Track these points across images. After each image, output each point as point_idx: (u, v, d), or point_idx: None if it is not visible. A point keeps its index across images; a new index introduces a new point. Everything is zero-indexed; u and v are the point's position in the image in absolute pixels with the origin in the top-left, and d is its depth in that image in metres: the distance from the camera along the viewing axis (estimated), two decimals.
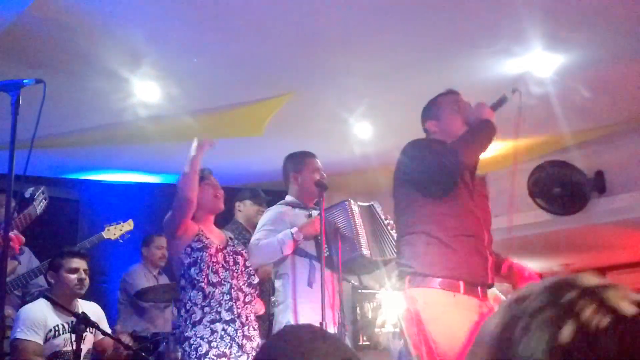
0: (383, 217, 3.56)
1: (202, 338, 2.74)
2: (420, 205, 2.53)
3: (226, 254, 2.98)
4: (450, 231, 2.45)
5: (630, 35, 3.88)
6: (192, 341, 2.75)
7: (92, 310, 3.72)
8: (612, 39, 3.90)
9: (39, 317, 3.51)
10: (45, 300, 3.59)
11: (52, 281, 3.67)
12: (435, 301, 2.39)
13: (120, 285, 5.05)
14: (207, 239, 2.95)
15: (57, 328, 3.55)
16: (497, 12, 3.58)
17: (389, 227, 3.51)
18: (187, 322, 2.78)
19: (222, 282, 2.87)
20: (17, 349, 3.41)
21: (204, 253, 2.87)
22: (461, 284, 2.41)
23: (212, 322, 2.78)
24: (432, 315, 2.36)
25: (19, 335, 3.42)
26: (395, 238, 3.38)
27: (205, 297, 2.81)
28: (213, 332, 2.77)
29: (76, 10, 3.33)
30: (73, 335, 3.32)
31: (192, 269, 2.83)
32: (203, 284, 2.81)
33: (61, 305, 3.50)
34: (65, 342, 3.55)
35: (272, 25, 3.66)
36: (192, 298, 2.82)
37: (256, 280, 3.06)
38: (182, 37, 3.76)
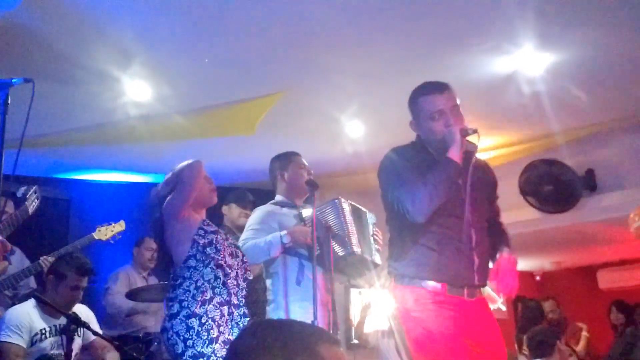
0: (371, 228, 3.56)
1: (213, 320, 2.70)
2: (404, 215, 2.54)
3: (230, 244, 2.98)
4: (433, 236, 2.51)
5: (620, 33, 3.89)
6: (203, 320, 2.69)
7: (82, 311, 3.68)
8: (602, 37, 3.92)
9: (23, 320, 3.47)
10: (34, 302, 3.55)
11: (49, 286, 3.61)
12: (422, 300, 2.48)
13: (103, 292, 5.05)
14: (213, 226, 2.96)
15: (43, 331, 3.51)
16: (487, 11, 3.59)
17: (371, 238, 3.52)
18: (196, 299, 2.73)
19: (232, 267, 2.88)
20: (0, 352, 3.39)
21: (219, 236, 2.89)
22: (444, 285, 2.49)
23: (222, 304, 2.77)
24: (419, 313, 2.46)
25: (2, 338, 3.39)
26: (377, 249, 3.45)
27: (217, 277, 2.79)
28: (222, 315, 2.75)
29: (66, 8, 3.31)
30: (62, 338, 3.29)
31: (209, 249, 2.81)
32: (222, 262, 2.81)
33: (52, 306, 3.47)
34: (52, 345, 3.51)
35: (263, 24, 3.65)
36: (204, 276, 2.78)
37: (250, 276, 3.06)
38: (173, 35, 3.74)
